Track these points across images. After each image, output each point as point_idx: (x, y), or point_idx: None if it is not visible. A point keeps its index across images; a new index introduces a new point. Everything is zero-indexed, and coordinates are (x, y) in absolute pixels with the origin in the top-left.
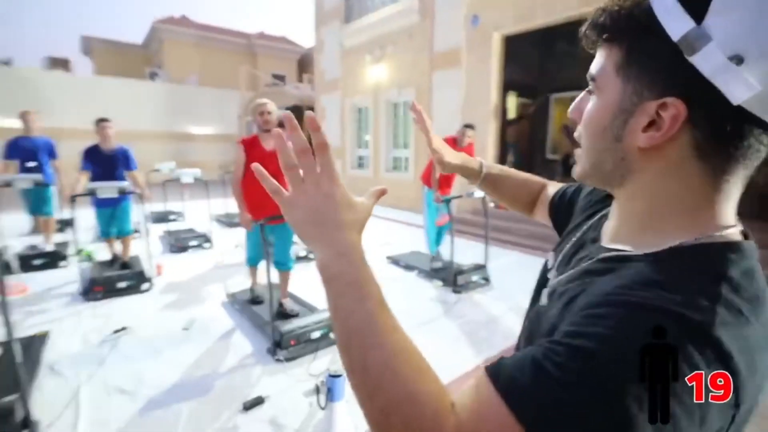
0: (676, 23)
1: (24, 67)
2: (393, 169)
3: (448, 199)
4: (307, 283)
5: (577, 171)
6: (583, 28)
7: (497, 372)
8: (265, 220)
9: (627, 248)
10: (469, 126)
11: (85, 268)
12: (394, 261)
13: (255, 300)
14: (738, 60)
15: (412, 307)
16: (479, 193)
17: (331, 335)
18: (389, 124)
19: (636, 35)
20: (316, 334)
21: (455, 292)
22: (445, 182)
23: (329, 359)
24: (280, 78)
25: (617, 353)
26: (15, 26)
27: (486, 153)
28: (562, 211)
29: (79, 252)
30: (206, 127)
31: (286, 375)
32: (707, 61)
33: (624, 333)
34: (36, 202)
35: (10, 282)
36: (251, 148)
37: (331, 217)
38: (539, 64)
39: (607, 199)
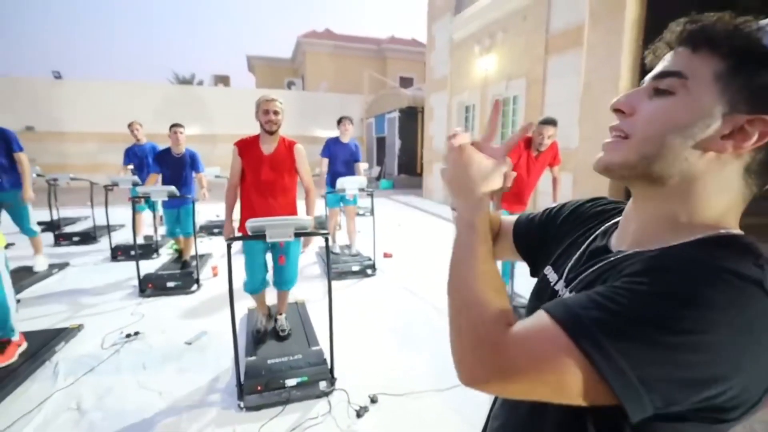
0: None
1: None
2: None
3: None
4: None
5: (612, 159)
6: (676, 26)
7: (549, 307)
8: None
9: (653, 248)
10: (548, 122)
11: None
12: None
13: (257, 332)
14: None
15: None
16: None
17: (322, 386)
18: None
19: (746, 56)
20: (292, 381)
21: None
22: (514, 197)
23: (297, 418)
24: (407, 80)
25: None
26: (191, 48)
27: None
28: (533, 233)
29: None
30: (330, 130)
31: None
32: None
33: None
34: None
35: None
36: (247, 150)
37: (465, 180)
38: None
39: (607, 212)
